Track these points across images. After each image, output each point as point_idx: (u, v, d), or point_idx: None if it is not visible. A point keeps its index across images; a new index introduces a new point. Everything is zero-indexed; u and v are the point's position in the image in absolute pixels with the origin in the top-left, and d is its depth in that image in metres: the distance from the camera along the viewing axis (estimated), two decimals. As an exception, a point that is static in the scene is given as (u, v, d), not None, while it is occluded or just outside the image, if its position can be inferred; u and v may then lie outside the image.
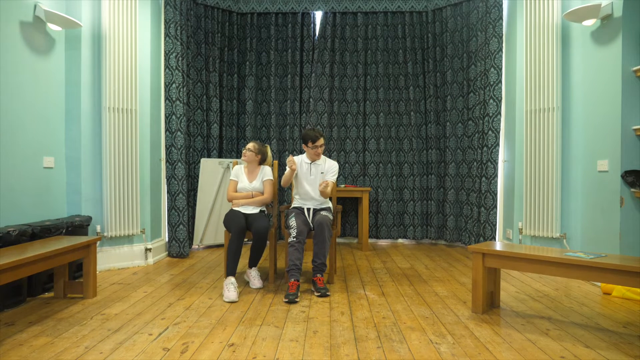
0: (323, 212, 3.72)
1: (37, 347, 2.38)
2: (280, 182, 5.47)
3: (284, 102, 5.93)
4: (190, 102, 5.31)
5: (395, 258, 4.86)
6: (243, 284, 3.73)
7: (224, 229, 5.36)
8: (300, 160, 3.88)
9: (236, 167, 3.93)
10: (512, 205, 4.65)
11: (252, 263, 3.73)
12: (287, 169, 3.74)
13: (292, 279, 3.35)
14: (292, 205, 3.93)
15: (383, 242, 5.94)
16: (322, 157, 3.92)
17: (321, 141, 3.78)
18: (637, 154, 3.57)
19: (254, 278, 3.66)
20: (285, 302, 3.20)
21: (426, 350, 2.36)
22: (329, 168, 3.88)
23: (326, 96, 5.84)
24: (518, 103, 4.56)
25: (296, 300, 3.22)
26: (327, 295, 3.39)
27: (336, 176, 3.92)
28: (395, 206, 5.86)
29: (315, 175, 3.85)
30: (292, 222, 3.59)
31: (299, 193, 3.88)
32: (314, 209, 3.81)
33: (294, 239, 3.48)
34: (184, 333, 2.59)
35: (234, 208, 3.79)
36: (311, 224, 3.72)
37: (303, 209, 3.81)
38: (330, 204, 3.93)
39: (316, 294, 3.41)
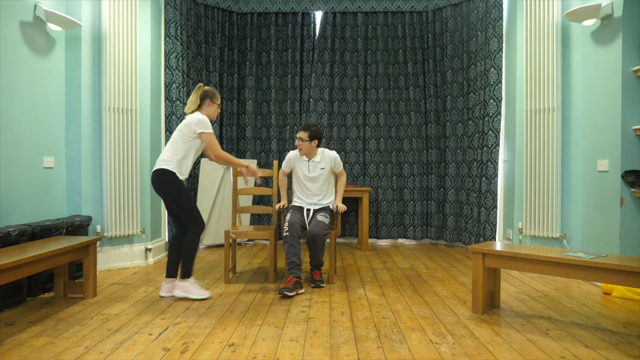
0: (319, 216, 3.65)
1: (37, 347, 2.38)
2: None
3: (284, 102, 5.93)
4: (190, 102, 5.30)
5: (395, 258, 4.86)
6: (239, 287, 3.73)
7: (224, 229, 5.37)
8: (297, 157, 3.80)
9: (208, 121, 3.29)
10: (512, 205, 4.65)
11: (176, 272, 3.36)
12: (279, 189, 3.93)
13: (291, 275, 3.41)
14: (292, 204, 3.91)
15: (383, 242, 5.94)
16: (321, 151, 3.79)
17: (300, 134, 3.66)
18: (637, 154, 3.57)
19: (196, 285, 3.30)
20: (279, 296, 3.22)
21: (426, 350, 2.36)
22: (333, 162, 3.77)
23: (326, 96, 5.84)
24: (518, 103, 4.56)
25: (288, 294, 3.26)
26: (321, 287, 3.54)
27: (341, 165, 3.85)
28: (395, 206, 5.86)
29: (314, 173, 3.77)
30: (288, 217, 3.61)
31: (298, 191, 3.85)
32: (313, 210, 3.78)
33: (287, 233, 3.50)
34: (184, 333, 2.59)
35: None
36: (307, 223, 3.70)
37: (303, 208, 3.79)
38: (330, 200, 3.86)
39: (311, 285, 3.58)
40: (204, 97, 3.33)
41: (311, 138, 3.68)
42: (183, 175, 3.24)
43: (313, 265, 3.65)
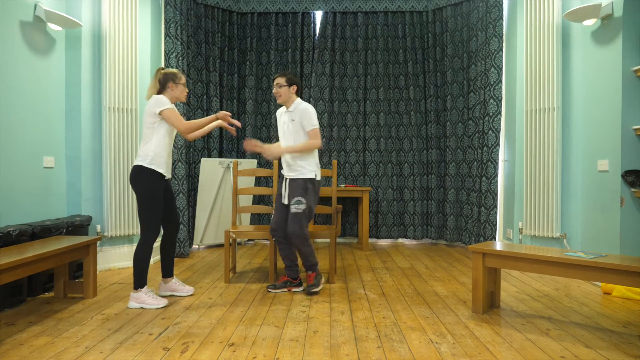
0: (293, 206, 3.30)
1: (37, 346, 2.38)
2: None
3: (284, 101, 5.93)
4: (191, 102, 5.31)
5: (395, 258, 4.86)
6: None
7: (224, 229, 5.37)
8: (280, 112, 3.53)
9: (165, 98, 3.09)
10: (512, 205, 4.65)
11: (171, 270, 3.37)
12: None
13: (283, 275, 3.52)
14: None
15: (383, 242, 5.94)
16: (297, 102, 3.41)
17: (278, 80, 3.38)
18: (637, 153, 3.56)
19: (181, 284, 3.36)
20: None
21: (426, 350, 2.36)
22: (301, 114, 3.31)
23: (326, 96, 5.84)
24: (518, 103, 4.56)
25: (269, 290, 3.41)
26: (312, 293, 3.39)
27: (313, 125, 3.30)
28: (396, 206, 5.86)
29: (287, 124, 3.38)
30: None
31: None
32: (288, 188, 3.39)
33: (273, 239, 3.54)
34: (184, 333, 2.59)
35: (158, 170, 3.06)
36: (284, 199, 3.40)
37: (283, 178, 3.45)
38: (304, 172, 3.34)
39: (305, 290, 3.53)
40: (165, 81, 3.13)
41: (290, 83, 3.38)
42: (162, 167, 3.07)
43: (305, 267, 3.45)
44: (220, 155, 5.75)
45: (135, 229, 4.30)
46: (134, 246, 4.37)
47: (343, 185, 5.58)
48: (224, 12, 5.72)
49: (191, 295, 3.36)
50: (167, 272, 3.36)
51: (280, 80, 3.39)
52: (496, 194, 4.97)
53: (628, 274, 2.46)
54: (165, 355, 2.28)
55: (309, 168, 3.37)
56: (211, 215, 5.30)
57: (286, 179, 3.42)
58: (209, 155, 5.57)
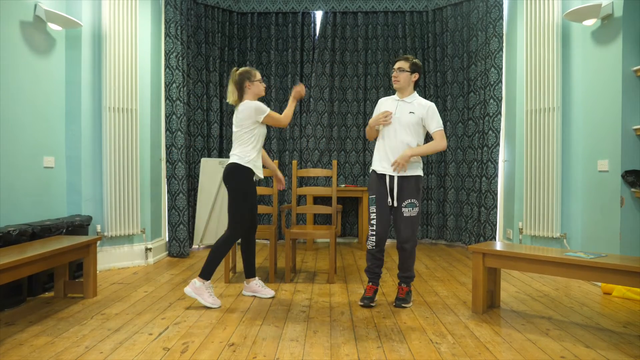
0: (406, 208, 2.97)
1: (37, 346, 2.38)
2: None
3: (284, 101, 5.92)
4: (191, 101, 5.30)
5: (395, 258, 4.86)
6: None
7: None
8: (384, 101, 3.18)
9: (260, 104, 3.15)
10: (512, 205, 4.65)
11: (253, 270, 3.39)
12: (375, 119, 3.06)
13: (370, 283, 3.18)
14: (371, 168, 3.18)
15: (383, 242, 5.94)
16: (416, 95, 3.10)
17: (400, 64, 3.04)
18: (637, 154, 3.56)
19: (262, 286, 3.34)
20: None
21: (426, 350, 2.36)
22: (426, 111, 2.99)
23: (326, 96, 5.84)
24: (518, 103, 4.56)
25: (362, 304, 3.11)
26: (402, 307, 3.07)
27: (441, 127, 2.99)
28: (396, 206, 5.86)
29: (400, 115, 3.00)
30: (373, 217, 3.04)
31: (379, 147, 3.10)
32: (398, 178, 3.00)
33: (373, 248, 3.06)
34: (184, 333, 2.59)
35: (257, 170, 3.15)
36: (393, 201, 3.01)
37: (384, 176, 3.04)
38: (417, 169, 3.03)
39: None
40: (241, 82, 3.17)
41: (413, 70, 3.05)
42: (258, 168, 3.16)
43: (402, 279, 3.17)
44: (220, 155, 5.74)
45: (135, 229, 4.30)
46: (134, 246, 4.37)
47: (343, 185, 5.58)
48: (224, 12, 5.72)
49: (272, 298, 3.29)
50: (249, 272, 3.37)
51: (404, 64, 3.04)
52: (496, 194, 4.97)
53: (628, 274, 2.46)
54: (165, 355, 2.28)
55: (420, 164, 3.07)
56: (211, 215, 5.30)
57: (393, 177, 3.02)
58: (209, 155, 5.57)
